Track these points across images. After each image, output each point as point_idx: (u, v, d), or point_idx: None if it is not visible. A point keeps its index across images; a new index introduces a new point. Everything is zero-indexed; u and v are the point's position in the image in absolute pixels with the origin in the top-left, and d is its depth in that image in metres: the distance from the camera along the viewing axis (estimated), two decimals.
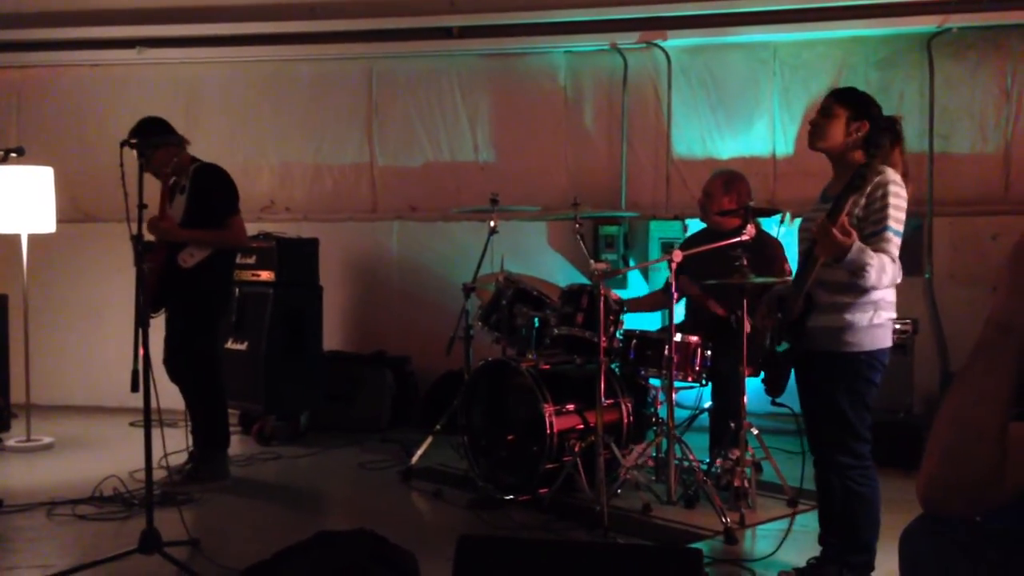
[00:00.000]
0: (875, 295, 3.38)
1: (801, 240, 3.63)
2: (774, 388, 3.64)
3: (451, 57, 7.25)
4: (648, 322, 5.98)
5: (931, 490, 1.48)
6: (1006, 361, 1.43)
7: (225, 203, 5.04)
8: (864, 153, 3.44)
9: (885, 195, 3.31)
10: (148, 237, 4.02)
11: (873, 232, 3.31)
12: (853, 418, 3.39)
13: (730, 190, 5.11)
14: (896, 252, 3.33)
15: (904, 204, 3.36)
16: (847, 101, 3.51)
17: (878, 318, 3.40)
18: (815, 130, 3.54)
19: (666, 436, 4.63)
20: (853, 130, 3.47)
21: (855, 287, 3.32)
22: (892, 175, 3.35)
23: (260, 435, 6.13)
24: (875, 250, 3.26)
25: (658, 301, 5.54)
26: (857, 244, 3.19)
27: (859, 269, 3.22)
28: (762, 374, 3.73)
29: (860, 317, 3.38)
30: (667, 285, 4.68)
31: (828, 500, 3.60)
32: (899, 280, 3.35)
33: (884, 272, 3.25)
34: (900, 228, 3.34)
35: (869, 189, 3.31)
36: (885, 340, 3.43)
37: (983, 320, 1.47)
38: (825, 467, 3.58)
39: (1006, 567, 1.54)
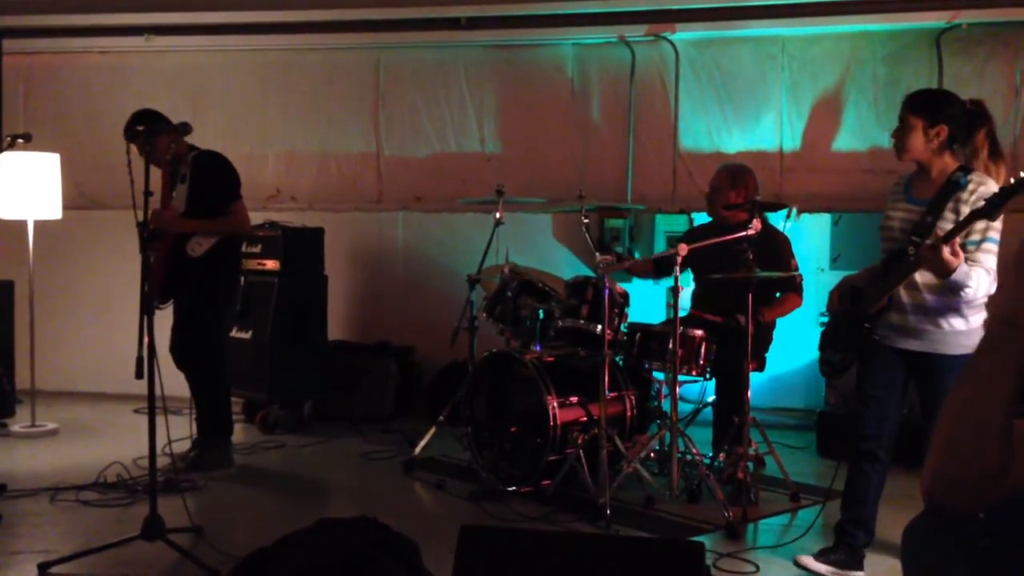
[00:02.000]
0: (982, 300, 3.46)
1: (884, 238, 3.66)
2: (833, 370, 3.69)
3: (458, 48, 7.23)
4: (652, 315, 5.97)
5: (934, 486, 1.48)
6: (1011, 358, 1.43)
7: (227, 190, 5.04)
8: (952, 154, 3.50)
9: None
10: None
11: (974, 242, 3.36)
12: None
13: (737, 184, 5.10)
14: (993, 263, 3.39)
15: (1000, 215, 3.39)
16: (920, 109, 3.52)
17: (980, 319, 3.49)
18: (897, 143, 3.58)
19: (669, 430, 4.63)
20: (932, 136, 3.49)
21: (952, 294, 3.37)
22: (993, 185, 3.39)
23: (264, 423, 6.15)
24: (974, 261, 3.32)
25: (646, 270, 5.58)
26: (963, 267, 3.23)
27: (959, 288, 3.28)
28: (821, 353, 3.79)
29: (972, 319, 3.46)
30: (659, 263, 4.69)
31: (863, 496, 3.64)
32: (993, 291, 3.39)
33: (981, 286, 3.31)
34: (998, 237, 3.40)
35: (973, 198, 3.35)
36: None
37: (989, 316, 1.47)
38: (872, 461, 3.62)
39: (1008, 565, 1.54)
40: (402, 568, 1.69)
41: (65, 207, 6.30)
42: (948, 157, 3.52)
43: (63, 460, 5.29)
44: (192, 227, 4.93)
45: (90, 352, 7.36)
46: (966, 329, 3.45)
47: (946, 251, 3.16)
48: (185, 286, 4.97)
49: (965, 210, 3.34)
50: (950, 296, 3.37)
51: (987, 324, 1.49)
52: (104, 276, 7.32)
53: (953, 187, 3.40)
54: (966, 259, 3.28)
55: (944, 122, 3.47)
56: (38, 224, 6.18)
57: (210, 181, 4.99)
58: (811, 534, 3.96)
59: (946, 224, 3.35)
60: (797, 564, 3.70)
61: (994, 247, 3.39)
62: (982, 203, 3.24)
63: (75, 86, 7.65)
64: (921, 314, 3.48)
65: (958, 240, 3.22)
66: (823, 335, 3.78)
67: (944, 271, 3.21)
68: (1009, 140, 6.28)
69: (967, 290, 3.27)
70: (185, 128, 4.40)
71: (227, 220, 5.00)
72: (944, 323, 3.45)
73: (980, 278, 3.29)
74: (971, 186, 3.38)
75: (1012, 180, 2.98)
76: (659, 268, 5.42)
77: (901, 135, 3.54)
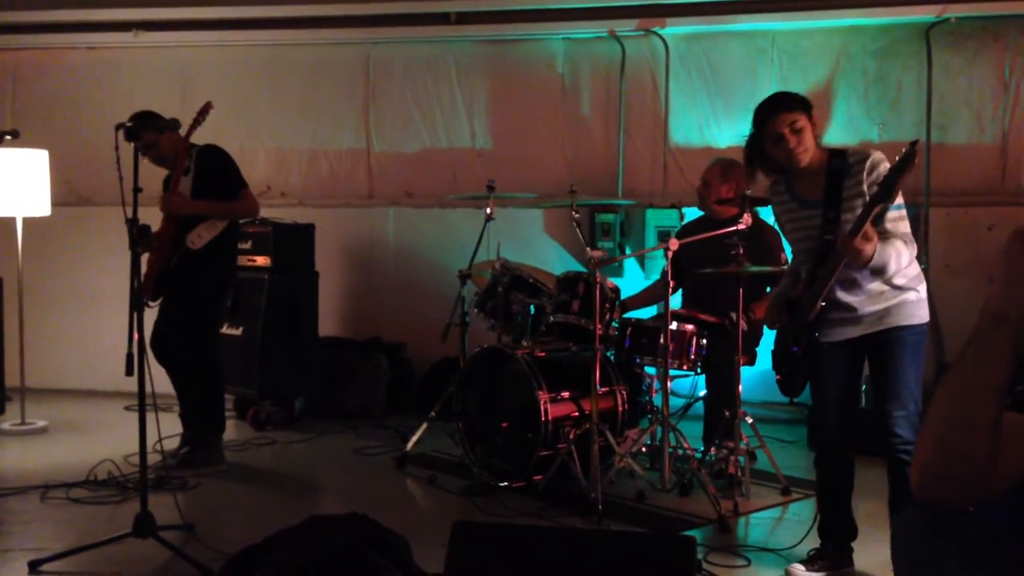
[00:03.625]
0: (918, 268, 3.46)
1: (797, 251, 3.66)
2: (791, 388, 3.65)
3: (449, 43, 7.22)
4: (643, 310, 5.97)
5: (925, 479, 1.48)
6: (1000, 351, 1.43)
7: (234, 178, 5.09)
8: (822, 149, 3.49)
9: (884, 172, 3.32)
10: (143, 221, 3.99)
11: (879, 216, 3.31)
12: (915, 390, 3.42)
13: (728, 178, 5.11)
14: (907, 227, 3.39)
15: None
16: (806, 108, 3.50)
17: (923, 292, 3.49)
18: (797, 149, 3.45)
19: (661, 424, 4.64)
20: (815, 131, 3.51)
21: (879, 276, 3.38)
22: (877, 154, 3.40)
23: (255, 420, 6.13)
24: (888, 233, 3.32)
25: (655, 295, 5.55)
26: (879, 248, 3.23)
27: (882, 267, 3.29)
28: (777, 374, 3.73)
29: (920, 290, 3.46)
30: (662, 275, 4.68)
31: (839, 492, 3.63)
32: (915, 252, 3.41)
33: (901, 256, 3.32)
34: (901, 201, 3.37)
35: (864, 175, 3.35)
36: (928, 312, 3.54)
37: (978, 311, 1.47)
38: (839, 458, 3.61)
39: (997, 557, 1.54)
40: (391, 564, 1.69)
41: (54, 204, 6.27)
42: (821, 153, 3.52)
43: (53, 458, 5.27)
44: (203, 208, 4.93)
45: (80, 349, 7.34)
46: (917, 299, 3.45)
47: (857, 241, 3.16)
48: (183, 280, 4.96)
49: (863, 188, 3.34)
50: (881, 276, 3.37)
51: (977, 318, 1.49)
52: (94, 273, 7.29)
53: (839, 175, 3.38)
54: (880, 235, 3.28)
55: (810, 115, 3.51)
56: (27, 221, 6.15)
57: (216, 172, 5.01)
58: (803, 529, 3.96)
59: (857, 210, 3.34)
60: (789, 574, 3.66)
61: (900, 212, 3.37)
62: (878, 178, 3.26)
63: (63, 82, 7.62)
64: (865, 296, 3.43)
65: (869, 226, 3.21)
66: (776, 355, 3.71)
67: (861, 259, 3.22)
68: (998, 134, 6.31)
69: (890, 266, 3.29)
70: (175, 124, 4.39)
71: (237, 203, 5.04)
72: (895, 298, 3.42)
73: (899, 250, 3.30)
74: (855, 167, 3.37)
75: (896, 157, 3.00)
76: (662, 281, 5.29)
77: (801, 139, 3.45)
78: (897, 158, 3.03)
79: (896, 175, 3.06)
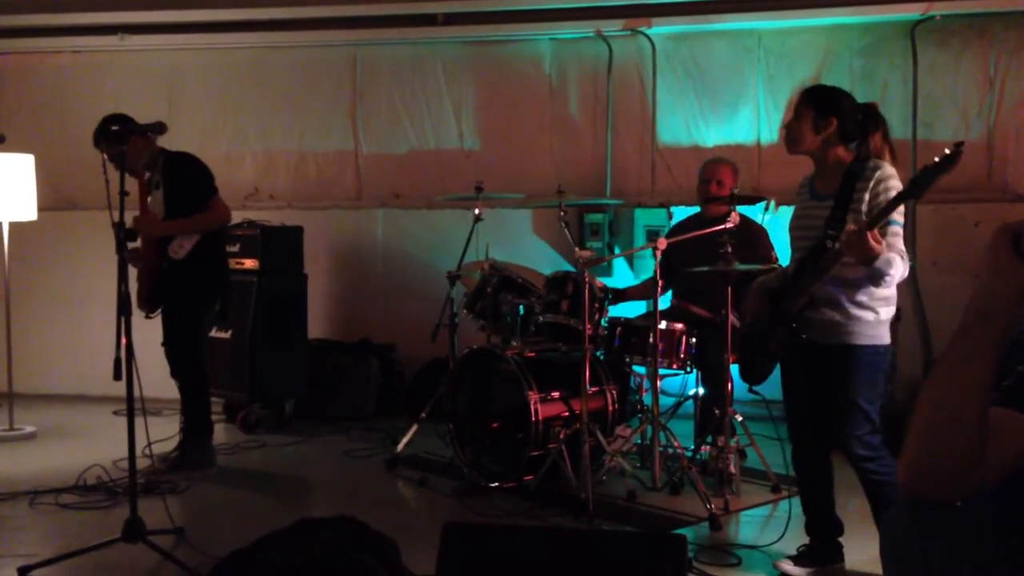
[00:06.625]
0: (891, 291, 3.43)
1: (796, 238, 3.64)
2: (756, 377, 3.67)
3: (436, 44, 7.22)
4: (633, 309, 5.98)
5: (912, 474, 1.49)
6: (985, 347, 1.44)
7: (204, 186, 5.03)
8: (845, 148, 3.50)
9: (888, 190, 3.33)
10: (130, 224, 3.97)
11: (880, 228, 3.30)
12: (869, 410, 3.39)
13: (736, 177, 5.22)
14: (903, 245, 3.37)
15: None
16: (811, 100, 3.53)
17: (890, 313, 3.47)
18: (788, 134, 3.58)
19: (651, 423, 4.64)
20: (821, 128, 3.48)
21: (873, 283, 3.35)
22: (890, 168, 3.39)
23: (245, 423, 6.12)
24: (889, 245, 3.30)
25: (648, 290, 5.56)
26: (885, 254, 3.21)
27: (881, 276, 3.26)
28: (744, 361, 3.77)
29: (882, 312, 3.43)
30: (655, 273, 4.69)
31: (809, 490, 3.67)
32: (906, 270, 3.37)
33: (898, 270, 3.30)
34: (902, 219, 3.38)
35: (871, 184, 3.34)
36: (889, 335, 3.50)
37: (964, 307, 1.48)
38: (811, 456, 3.63)
39: (985, 552, 1.55)
40: (380, 566, 1.69)
41: (40, 208, 6.25)
42: (842, 151, 3.51)
43: (42, 463, 5.25)
44: (172, 229, 4.91)
45: (68, 354, 7.30)
46: (875, 320, 3.41)
47: (870, 237, 3.14)
48: (169, 288, 4.95)
49: (866, 196, 3.33)
50: (864, 287, 3.35)
51: (962, 314, 1.50)
52: (81, 277, 7.27)
53: (852, 177, 3.38)
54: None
55: (833, 115, 3.47)
56: (13, 226, 6.13)
57: (186, 181, 4.97)
58: (793, 525, 3.97)
59: (856, 216, 3.32)
60: (777, 568, 3.66)
61: (900, 229, 3.35)
62: (887, 188, 3.28)
63: (49, 86, 7.59)
64: (833, 308, 3.43)
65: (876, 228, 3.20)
66: (745, 342, 3.72)
67: (868, 257, 3.19)
68: (984, 131, 6.34)
69: (888, 277, 3.26)
70: (159, 128, 4.29)
71: (207, 215, 4.99)
72: (848, 316, 3.41)
73: (897, 264, 3.28)
74: (867, 172, 3.36)
75: (936, 159, 2.90)
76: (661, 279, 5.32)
77: (793, 125, 3.54)
78: (938, 158, 2.89)
79: (934, 174, 2.93)
